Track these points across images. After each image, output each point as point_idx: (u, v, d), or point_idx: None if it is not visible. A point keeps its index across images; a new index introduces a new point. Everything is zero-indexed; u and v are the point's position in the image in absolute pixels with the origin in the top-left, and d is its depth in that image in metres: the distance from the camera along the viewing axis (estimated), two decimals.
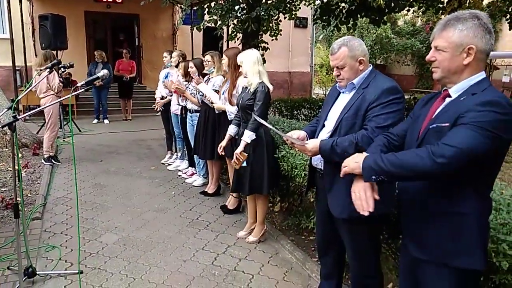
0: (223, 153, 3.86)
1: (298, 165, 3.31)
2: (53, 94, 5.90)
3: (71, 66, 3.63)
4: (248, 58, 3.52)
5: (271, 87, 3.57)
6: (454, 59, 1.63)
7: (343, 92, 2.35)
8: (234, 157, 3.53)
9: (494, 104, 1.50)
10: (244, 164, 3.51)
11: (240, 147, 3.50)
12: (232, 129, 3.84)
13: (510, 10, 7.05)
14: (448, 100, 1.69)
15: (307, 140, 2.41)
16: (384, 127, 2.08)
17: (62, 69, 3.53)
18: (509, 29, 7.33)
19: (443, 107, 1.68)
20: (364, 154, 1.80)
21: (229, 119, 4.12)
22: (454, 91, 1.67)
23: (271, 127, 2.56)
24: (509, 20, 7.17)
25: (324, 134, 2.36)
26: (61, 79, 5.97)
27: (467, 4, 5.97)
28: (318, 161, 2.43)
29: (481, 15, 1.62)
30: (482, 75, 1.64)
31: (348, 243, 2.39)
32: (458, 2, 6.00)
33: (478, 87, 1.60)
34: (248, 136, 3.47)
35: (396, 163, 1.61)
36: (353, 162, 1.77)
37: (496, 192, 2.29)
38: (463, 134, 1.50)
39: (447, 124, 1.59)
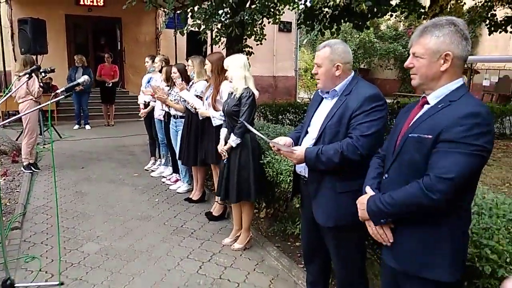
0: (226, 157, 3.67)
1: (284, 170, 3.29)
2: (31, 99, 5.76)
3: (52, 71, 3.56)
4: (234, 63, 3.49)
5: (256, 93, 3.54)
6: (431, 65, 1.64)
7: (325, 98, 2.35)
8: (219, 151, 3.61)
9: (475, 115, 1.52)
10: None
11: (226, 146, 3.53)
12: (225, 133, 3.70)
13: (489, 15, 7.20)
14: (426, 107, 1.70)
15: (293, 146, 2.39)
16: (368, 135, 2.09)
17: (43, 74, 3.45)
18: (489, 34, 7.48)
19: (421, 114, 1.69)
20: (368, 194, 1.82)
21: (214, 124, 4.08)
22: (432, 98, 1.68)
23: (258, 133, 2.54)
24: (488, 26, 7.33)
25: (308, 141, 2.35)
26: (41, 84, 5.84)
27: (448, 9, 6.06)
28: (302, 168, 2.41)
29: (457, 22, 1.63)
30: (459, 81, 1.65)
31: (334, 251, 2.38)
32: (439, 8, 6.09)
33: (455, 94, 1.62)
34: (233, 140, 3.46)
35: (393, 204, 1.65)
36: (361, 210, 1.81)
37: (478, 197, 2.31)
38: (454, 161, 1.51)
39: (429, 137, 1.58)
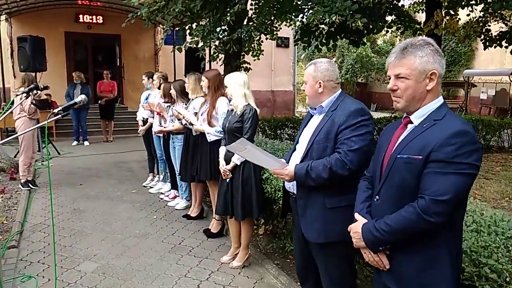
0: (230, 176, 3.61)
1: (282, 187, 3.28)
2: (25, 116, 5.77)
3: (45, 88, 3.57)
4: (234, 81, 3.53)
5: (258, 110, 3.57)
6: (417, 85, 1.65)
7: (314, 114, 2.40)
8: (221, 171, 3.57)
9: (463, 134, 1.53)
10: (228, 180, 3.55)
11: (230, 166, 3.49)
12: (224, 151, 3.66)
13: (484, 30, 7.29)
14: (410, 126, 1.70)
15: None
16: (356, 150, 2.12)
17: (34, 91, 3.45)
18: (484, 49, 7.56)
19: (407, 135, 1.69)
20: (360, 221, 1.80)
21: (208, 140, 4.09)
22: (415, 117, 1.69)
23: (245, 156, 2.55)
24: (483, 41, 7.41)
25: (296, 158, 2.37)
26: (33, 101, 5.83)
27: (444, 25, 6.14)
28: (290, 185, 2.42)
29: (431, 41, 1.66)
30: (440, 100, 1.68)
31: (323, 268, 2.36)
32: (434, 23, 6.16)
33: (438, 113, 1.64)
34: (238, 158, 3.42)
35: (390, 231, 1.63)
36: (356, 239, 1.78)
37: (476, 213, 2.29)
38: (448, 182, 1.52)
39: (419, 157, 1.58)
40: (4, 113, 3.19)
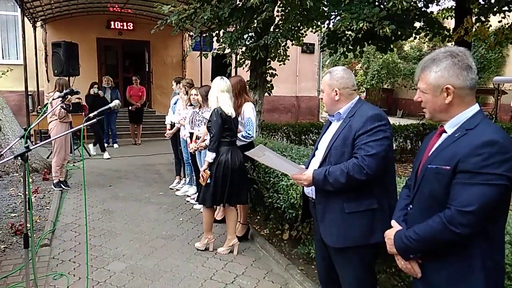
0: (208, 175, 4.02)
1: (302, 193, 3.29)
2: (56, 119, 5.99)
3: (75, 93, 3.70)
4: (213, 85, 4.02)
5: (229, 112, 3.90)
6: (435, 100, 1.68)
7: (332, 121, 2.44)
8: (200, 175, 4.04)
9: (492, 144, 1.51)
10: (208, 181, 3.95)
11: (204, 166, 3.98)
12: (210, 156, 3.99)
13: None
14: (444, 136, 1.72)
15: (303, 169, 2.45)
16: (374, 155, 2.12)
17: (63, 96, 3.59)
18: None
19: (440, 144, 1.70)
20: (394, 228, 1.83)
21: (236, 144, 4.19)
22: (449, 126, 1.70)
23: (264, 161, 2.65)
24: None
25: (315, 163, 2.41)
26: (63, 105, 6.05)
27: (474, 32, 6.02)
28: (309, 190, 2.45)
29: (456, 53, 1.65)
30: (474, 109, 1.66)
31: (343, 273, 2.37)
32: (464, 30, 6.05)
33: (471, 122, 1.63)
34: (210, 156, 3.90)
35: (419, 239, 1.65)
36: (389, 245, 1.81)
37: (510, 225, 2.21)
38: (473, 193, 1.51)
39: (447, 168, 1.59)
40: (41, 116, 3.34)
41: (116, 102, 3.06)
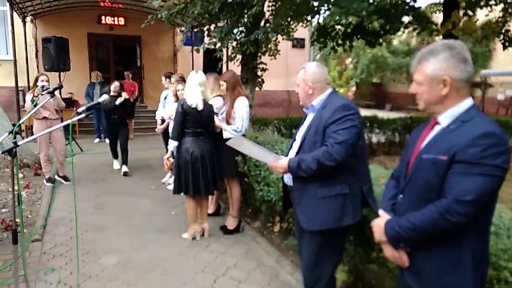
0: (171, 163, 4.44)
1: (282, 182, 3.34)
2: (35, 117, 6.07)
3: (59, 87, 3.69)
4: (188, 80, 4.23)
5: (195, 104, 4.07)
6: (431, 91, 1.69)
7: (308, 113, 2.58)
8: (164, 163, 4.33)
9: (490, 135, 1.53)
10: (172, 168, 4.23)
11: (167, 154, 4.33)
12: (172, 145, 4.22)
13: (503, 31, 7.19)
14: (437, 127, 1.73)
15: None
16: (342, 142, 2.25)
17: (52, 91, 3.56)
18: (503, 49, 7.45)
19: (434, 136, 1.71)
20: (383, 217, 1.85)
21: (224, 137, 4.30)
22: (443, 118, 1.70)
23: (243, 151, 2.76)
24: (502, 41, 7.31)
25: (292, 153, 2.55)
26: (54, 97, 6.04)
27: (461, 26, 6.09)
28: (288, 179, 2.60)
29: (454, 45, 1.67)
30: (468, 102, 1.67)
31: (311, 254, 2.49)
32: (452, 24, 6.11)
33: (467, 114, 1.64)
34: (171, 144, 4.18)
35: (412, 228, 1.65)
36: (379, 234, 1.83)
37: (495, 216, 2.22)
38: (471, 183, 1.52)
39: (445, 158, 1.59)
40: (29, 112, 3.35)
41: (105, 97, 3.08)
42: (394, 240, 1.74)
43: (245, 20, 5.86)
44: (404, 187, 1.80)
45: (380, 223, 1.83)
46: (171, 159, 4.13)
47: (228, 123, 4.29)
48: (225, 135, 4.29)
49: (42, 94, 5.58)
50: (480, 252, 1.64)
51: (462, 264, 1.60)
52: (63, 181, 6.30)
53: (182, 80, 5.97)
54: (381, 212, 1.90)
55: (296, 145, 2.54)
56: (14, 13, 9.42)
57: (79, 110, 3.13)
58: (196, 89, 4.11)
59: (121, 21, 12.64)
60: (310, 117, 2.53)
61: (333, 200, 2.34)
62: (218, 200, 5.09)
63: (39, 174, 6.65)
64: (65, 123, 2.90)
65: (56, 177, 6.39)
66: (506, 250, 1.90)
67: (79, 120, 10.37)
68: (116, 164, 7.49)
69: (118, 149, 7.30)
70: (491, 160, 1.51)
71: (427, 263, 1.68)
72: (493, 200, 1.63)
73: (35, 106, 5.22)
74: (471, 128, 1.57)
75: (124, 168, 7.03)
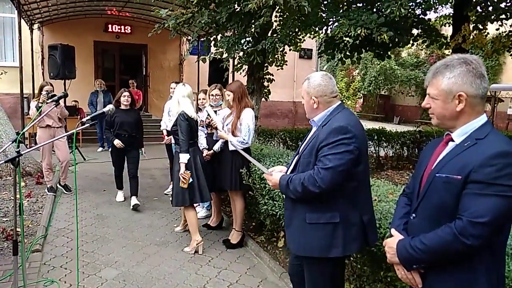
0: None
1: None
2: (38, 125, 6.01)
3: (63, 97, 3.64)
4: (176, 91, 4.26)
5: (192, 115, 4.19)
6: (446, 106, 1.63)
7: (313, 126, 2.41)
8: (180, 178, 4.06)
9: (505, 155, 1.48)
10: (191, 180, 4.08)
11: (182, 168, 4.05)
12: (184, 158, 4.09)
13: None
14: (451, 144, 1.67)
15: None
16: (330, 169, 2.09)
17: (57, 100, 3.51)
18: None
19: (448, 153, 1.66)
20: (396, 237, 1.77)
21: (230, 149, 4.19)
22: (457, 135, 1.65)
23: (250, 158, 2.75)
24: None
25: (290, 168, 2.44)
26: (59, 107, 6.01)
27: (471, 39, 6.02)
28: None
29: (470, 60, 1.60)
30: (483, 118, 1.63)
31: (308, 280, 2.37)
32: (462, 38, 6.05)
33: (481, 132, 1.59)
34: (184, 157, 4.05)
35: (425, 250, 1.59)
36: (391, 255, 1.75)
37: None
38: (486, 204, 1.47)
39: (459, 177, 1.54)
40: (33, 120, 3.30)
41: (110, 106, 3.01)
42: (406, 262, 1.68)
43: (253, 30, 5.82)
44: (416, 206, 1.73)
45: (392, 243, 1.76)
46: (188, 172, 4.05)
47: (233, 134, 4.20)
48: (230, 147, 4.19)
49: (47, 102, 5.55)
50: (496, 273, 1.58)
51: (478, 286, 1.54)
52: (64, 190, 6.21)
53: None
54: (393, 231, 1.83)
55: (294, 161, 2.42)
56: (22, 20, 9.45)
57: (84, 120, 3.09)
58: (188, 101, 4.20)
59: (128, 29, 12.70)
60: (310, 134, 2.40)
61: (320, 228, 2.17)
62: (220, 213, 4.98)
63: (41, 182, 6.58)
64: (69, 133, 2.86)
65: (58, 186, 6.31)
66: None
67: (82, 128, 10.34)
68: (120, 196, 6.01)
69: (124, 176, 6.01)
70: (507, 180, 1.46)
71: (441, 284, 1.62)
72: (509, 221, 1.57)
73: (40, 113, 5.18)
74: (486, 147, 1.52)
75: (134, 200, 5.62)
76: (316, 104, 2.30)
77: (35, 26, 11.22)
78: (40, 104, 5.70)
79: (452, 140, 1.67)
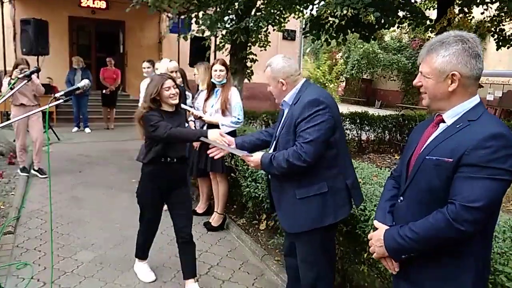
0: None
1: (267, 182, 3.20)
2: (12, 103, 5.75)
3: (37, 71, 3.43)
4: (162, 66, 4.26)
5: None
6: (438, 85, 1.55)
7: (284, 109, 2.45)
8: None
9: (499, 137, 1.41)
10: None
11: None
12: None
13: (497, 30, 7.12)
14: (442, 126, 1.60)
15: (234, 145, 2.58)
16: (311, 141, 2.16)
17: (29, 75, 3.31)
18: (497, 49, 7.39)
19: (438, 135, 1.58)
20: (381, 228, 1.69)
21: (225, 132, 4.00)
22: (448, 116, 1.57)
23: (223, 147, 2.63)
24: (496, 40, 7.25)
25: (271, 151, 2.48)
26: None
27: (456, 23, 5.98)
28: None
29: (467, 38, 1.52)
30: (475, 100, 1.55)
31: (300, 257, 2.44)
32: (447, 21, 6.00)
33: (473, 113, 1.52)
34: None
35: (417, 239, 1.52)
36: (378, 247, 1.67)
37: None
38: (481, 187, 1.40)
39: (450, 160, 1.47)
40: (4, 96, 3.09)
41: (85, 81, 2.81)
42: (396, 252, 1.59)
43: (236, 7, 5.64)
44: (405, 189, 1.66)
45: (378, 235, 1.67)
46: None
47: (223, 114, 4.04)
48: (224, 130, 3.99)
49: (19, 78, 5.27)
50: (483, 260, 1.55)
51: (464, 273, 1.51)
52: (38, 175, 5.95)
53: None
54: (376, 223, 1.75)
55: (273, 143, 2.45)
56: None
57: (57, 95, 2.88)
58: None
59: (103, 4, 12.17)
60: (283, 114, 2.43)
61: (311, 200, 2.25)
62: (208, 199, 4.82)
63: (13, 163, 6.34)
64: (41, 108, 2.67)
65: (32, 171, 6.05)
66: (502, 254, 1.85)
67: (57, 107, 10.05)
68: (145, 270, 3.35)
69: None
70: (501, 163, 1.39)
71: (425, 271, 1.58)
72: (499, 205, 1.52)
73: (11, 89, 4.92)
74: (479, 129, 1.45)
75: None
76: (285, 86, 2.35)
77: None
78: (12, 80, 5.41)
79: (443, 122, 1.59)
